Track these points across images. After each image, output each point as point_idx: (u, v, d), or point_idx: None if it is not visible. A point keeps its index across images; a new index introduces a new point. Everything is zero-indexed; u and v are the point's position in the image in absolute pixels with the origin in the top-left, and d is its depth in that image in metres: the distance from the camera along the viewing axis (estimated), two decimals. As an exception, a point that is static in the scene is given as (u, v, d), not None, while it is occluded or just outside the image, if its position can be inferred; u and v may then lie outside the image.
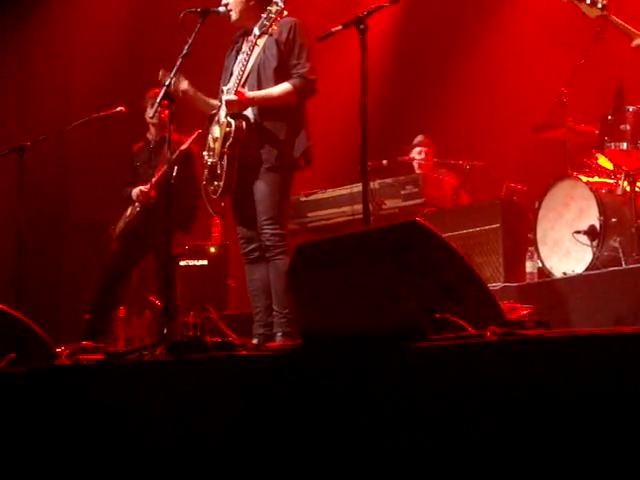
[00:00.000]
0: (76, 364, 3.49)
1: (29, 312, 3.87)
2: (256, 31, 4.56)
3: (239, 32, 4.85)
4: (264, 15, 4.51)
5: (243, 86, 4.60)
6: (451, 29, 8.33)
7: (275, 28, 4.52)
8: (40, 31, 7.88)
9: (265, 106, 4.62)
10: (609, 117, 5.67)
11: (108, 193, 7.06)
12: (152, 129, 6.25)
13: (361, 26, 4.06)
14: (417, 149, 7.48)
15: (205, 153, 4.75)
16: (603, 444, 2.17)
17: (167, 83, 4.25)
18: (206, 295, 6.76)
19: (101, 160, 8.03)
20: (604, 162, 5.91)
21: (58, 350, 3.75)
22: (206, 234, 7.34)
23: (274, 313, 4.60)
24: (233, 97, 4.56)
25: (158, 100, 4.31)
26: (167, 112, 4.69)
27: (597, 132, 5.78)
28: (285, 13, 4.52)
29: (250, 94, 4.59)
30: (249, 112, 4.64)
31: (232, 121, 4.56)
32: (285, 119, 4.64)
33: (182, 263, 6.87)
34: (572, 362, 2.26)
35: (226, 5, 4.70)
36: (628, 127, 5.60)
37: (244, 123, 4.58)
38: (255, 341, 4.53)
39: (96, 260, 6.80)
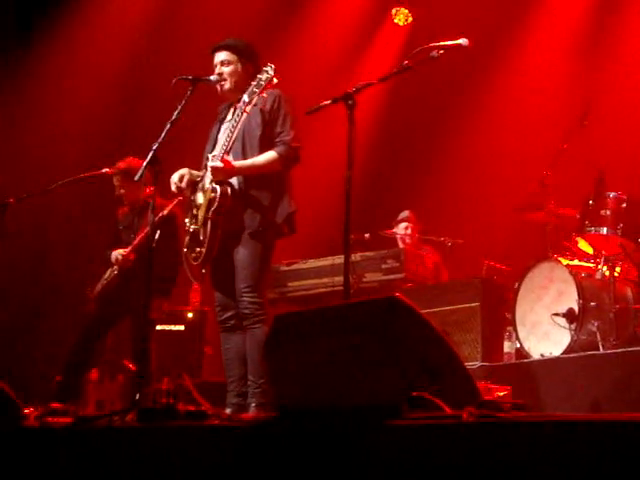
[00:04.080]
0: (44, 427, 3.42)
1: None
2: (245, 98, 4.60)
3: (224, 105, 4.90)
4: (254, 82, 4.57)
5: (228, 153, 4.63)
6: (437, 108, 8.48)
7: (265, 95, 4.57)
8: (30, 87, 7.92)
9: (250, 175, 4.65)
10: (590, 202, 5.74)
11: (87, 254, 7.02)
12: (124, 199, 6.18)
13: (349, 102, 4.11)
14: (403, 224, 7.53)
15: (187, 220, 4.74)
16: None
17: (154, 147, 4.26)
18: (181, 361, 6.67)
19: (82, 221, 8.01)
20: (584, 246, 5.96)
21: (26, 411, 3.68)
22: (184, 299, 7.29)
23: (249, 383, 4.55)
24: (219, 164, 4.58)
25: (144, 164, 4.31)
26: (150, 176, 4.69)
27: (578, 216, 5.84)
28: (275, 81, 4.56)
29: (236, 164, 4.61)
30: (233, 179, 4.66)
31: (217, 187, 4.57)
32: (269, 186, 4.66)
33: (158, 327, 6.80)
34: (548, 447, 2.24)
35: (220, 74, 4.75)
36: (608, 212, 5.67)
37: (229, 189, 4.60)
38: (229, 411, 4.47)
39: (71, 321, 6.72)
